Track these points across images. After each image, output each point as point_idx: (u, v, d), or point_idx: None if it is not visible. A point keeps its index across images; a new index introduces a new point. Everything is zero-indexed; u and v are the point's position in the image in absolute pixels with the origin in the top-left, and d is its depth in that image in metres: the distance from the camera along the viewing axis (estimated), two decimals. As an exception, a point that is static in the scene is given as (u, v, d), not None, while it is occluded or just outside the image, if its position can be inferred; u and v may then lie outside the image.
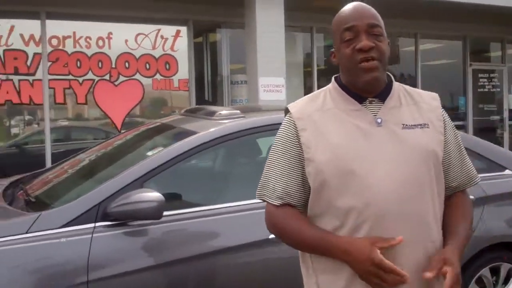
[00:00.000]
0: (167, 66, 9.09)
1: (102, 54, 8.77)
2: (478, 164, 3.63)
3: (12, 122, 8.57)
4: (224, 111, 3.76)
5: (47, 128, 8.43)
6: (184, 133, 3.57)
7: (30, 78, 8.41)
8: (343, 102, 1.84)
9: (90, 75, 8.69)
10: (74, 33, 8.65)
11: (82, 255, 2.85)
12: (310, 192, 1.83)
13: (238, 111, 3.73)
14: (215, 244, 3.12)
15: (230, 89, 9.46)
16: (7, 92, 8.28)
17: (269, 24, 7.97)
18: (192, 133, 3.44)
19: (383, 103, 1.82)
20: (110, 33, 8.80)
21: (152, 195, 2.93)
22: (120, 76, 8.86)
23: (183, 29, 9.25)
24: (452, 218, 1.89)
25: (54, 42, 8.55)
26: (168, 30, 9.12)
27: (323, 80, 10.11)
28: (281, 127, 1.91)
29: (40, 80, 8.42)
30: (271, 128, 3.14)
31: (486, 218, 3.67)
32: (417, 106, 1.88)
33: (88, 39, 8.68)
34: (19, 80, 8.35)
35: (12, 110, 8.50)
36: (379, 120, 1.79)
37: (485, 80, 12.74)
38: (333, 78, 1.91)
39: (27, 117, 8.69)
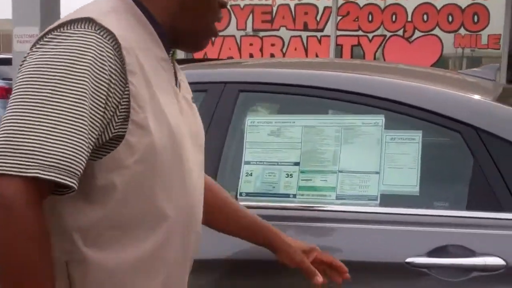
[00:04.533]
0: (476, 19, 7.28)
1: (397, 6, 7.60)
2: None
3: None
4: None
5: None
6: None
7: (318, 34, 7.93)
8: (153, 44, 1.19)
9: (381, 31, 7.67)
10: (370, -18, 7.74)
11: None
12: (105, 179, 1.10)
13: None
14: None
15: None
16: (295, 49, 7.99)
17: None
18: None
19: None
20: (410, -20, 7.54)
21: None
22: (416, 31, 7.53)
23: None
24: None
25: (347, -6, 7.81)
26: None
27: None
28: (75, 45, 1.06)
29: (328, 36, 7.83)
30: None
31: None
32: (182, 76, 1.35)
33: (384, -12, 7.65)
34: (307, 37, 7.96)
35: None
36: (180, 83, 1.29)
37: None
38: None
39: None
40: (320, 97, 1.98)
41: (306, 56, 7.94)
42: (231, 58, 8.08)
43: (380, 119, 1.89)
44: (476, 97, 1.91)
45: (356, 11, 7.76)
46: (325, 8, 7.89)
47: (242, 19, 8.21)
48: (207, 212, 1.39)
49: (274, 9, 8.10)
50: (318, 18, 7.94)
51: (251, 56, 8.16)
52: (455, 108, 1.83)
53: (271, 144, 1.97)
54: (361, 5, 7.75)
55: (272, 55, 8.07)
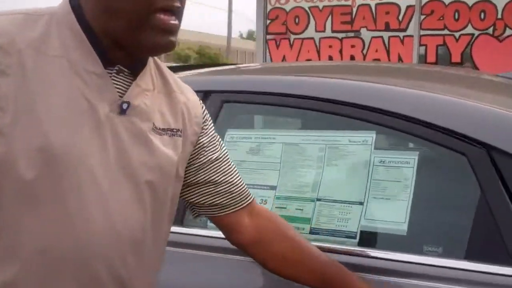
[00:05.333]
0: None
1: (486, 3, 7.00)
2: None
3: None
4: None
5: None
6: None
7: (401, 34, 7.46)
8: (79, 53, 1.09)
9: (469, 29, 7.09)
10: (454, -22, 7.19)
11: None
12: None
13: None
14: None
15: None
16: (376, 50, 7.58)
17: None
18: None
19: (134, 79, 1.15)
20: (502, -26, 6.93)
21: None
22: (507, 29, 6.90)
23: None
24: None
25: (432, -9, 7.30)
26: None
27: None
28: None
29: (411, 36, 7.36)
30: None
31: None
32: (170, 99, 1.24)
33: (472, -17, 7.08)
34: (389, 37, 7.52)
35: (379, 70, 7.76)
36: (124, 106, 1.12)
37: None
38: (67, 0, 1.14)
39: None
40: (303, 108, 1.68)
41: (388, 57, 7.51)
42: (310, 61, 7.80)
43: (370, 136, 1.56)
44: (494, 107, 1.48)
45: (441, 9, 7.23)
46: (407, 7, 7.42)
47: (321, 21, 7.90)
48: (286, 267, 1.34)
49: (354, 9, 7.72)
50: (400, 18, 7.48)
51: (330, 58, 7.84)
52: (460, 121, 1.44)
53: (249, 163, 1.70)
54: (447, 3, 7.20)
55: (352, 57, 7.70)
